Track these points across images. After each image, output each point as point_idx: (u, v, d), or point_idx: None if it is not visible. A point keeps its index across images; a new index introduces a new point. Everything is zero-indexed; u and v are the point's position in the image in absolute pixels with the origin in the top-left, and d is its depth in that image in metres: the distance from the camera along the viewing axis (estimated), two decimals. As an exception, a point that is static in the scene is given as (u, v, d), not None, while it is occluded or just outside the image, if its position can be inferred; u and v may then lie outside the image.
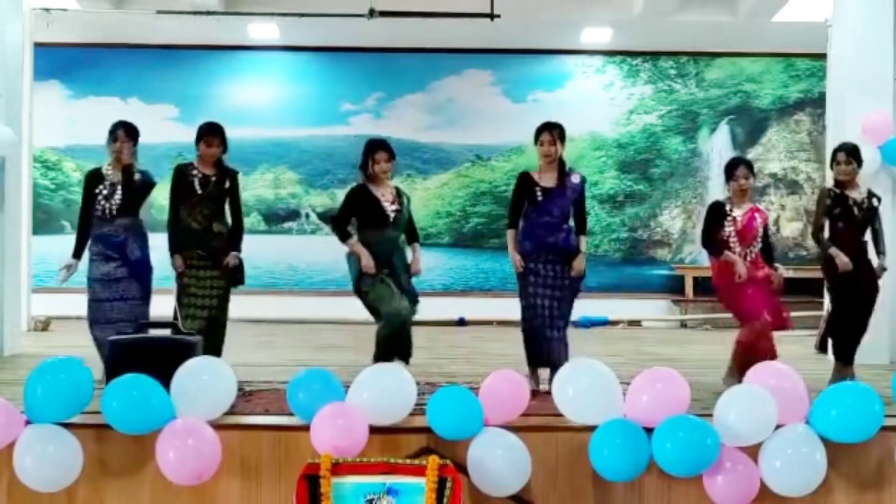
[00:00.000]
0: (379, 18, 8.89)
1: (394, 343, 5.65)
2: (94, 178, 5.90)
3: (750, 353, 5.41)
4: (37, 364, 4.26)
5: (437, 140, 11.28)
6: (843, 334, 5.93)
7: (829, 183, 6.25)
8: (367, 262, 5.70)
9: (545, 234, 5.62)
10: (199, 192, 5.82)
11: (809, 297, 6.60)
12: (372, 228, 5.80)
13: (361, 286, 5.80)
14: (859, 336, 5.91)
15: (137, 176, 5.88)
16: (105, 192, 5.82)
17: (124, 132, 5.85)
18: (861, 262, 5.83)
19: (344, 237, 5.83)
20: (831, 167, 6.02)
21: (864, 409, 4.21)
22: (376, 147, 5.90)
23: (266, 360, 6.89)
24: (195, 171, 5.87)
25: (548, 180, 5.69)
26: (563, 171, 5.72)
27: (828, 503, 4.36)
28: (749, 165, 5.86)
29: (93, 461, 4.27)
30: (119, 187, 5.82)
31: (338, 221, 5.92)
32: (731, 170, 5.82)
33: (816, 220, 5.99)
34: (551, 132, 5.67)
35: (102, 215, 5.82)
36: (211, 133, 5.85)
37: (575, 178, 5.76)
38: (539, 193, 5.64)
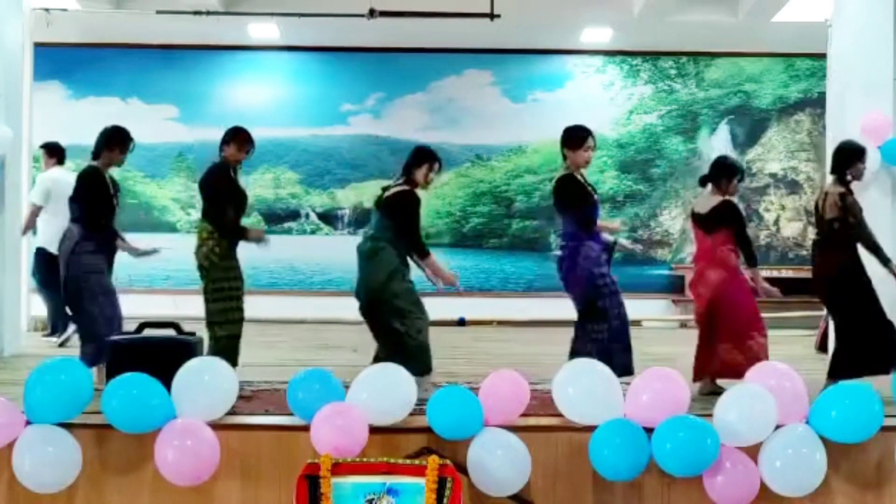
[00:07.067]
0: (379, 18, 8.89)
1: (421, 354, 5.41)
2: (101, 177, 5.79)
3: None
4: (37, 364, 4.26)
5: (437, 140, 11.21)
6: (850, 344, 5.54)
7: (828, 181, 6.15)
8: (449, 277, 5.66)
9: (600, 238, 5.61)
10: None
11: (809, 297, 6.57)
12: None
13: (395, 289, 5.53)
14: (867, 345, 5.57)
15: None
16: (113, 194, 5.82)
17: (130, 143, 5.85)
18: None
19: (424, 254, 5.66)
20: (845, 168, 5.82)
21: (864, 409, 4.21)
22: (434, 157, 5.76)
23: (266, 360, 6.88)
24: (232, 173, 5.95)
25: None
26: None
27: (828, 503, 4.37)
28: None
29: (93, 461, 4.28)
30: (116, 193, 5.86)
31: (417, 235, 5.71)
32: (731, 174, 5.77)
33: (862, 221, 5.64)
34: (593, 136, 5.62)
35: (105, 215, 5.78)
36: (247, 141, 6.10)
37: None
38: (594, 197, 5.60)
